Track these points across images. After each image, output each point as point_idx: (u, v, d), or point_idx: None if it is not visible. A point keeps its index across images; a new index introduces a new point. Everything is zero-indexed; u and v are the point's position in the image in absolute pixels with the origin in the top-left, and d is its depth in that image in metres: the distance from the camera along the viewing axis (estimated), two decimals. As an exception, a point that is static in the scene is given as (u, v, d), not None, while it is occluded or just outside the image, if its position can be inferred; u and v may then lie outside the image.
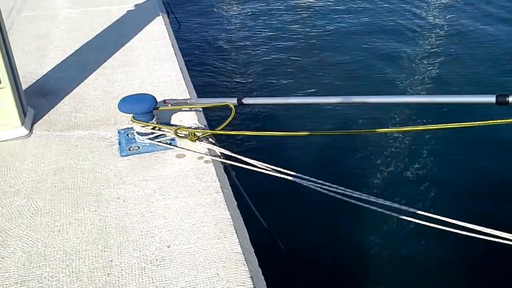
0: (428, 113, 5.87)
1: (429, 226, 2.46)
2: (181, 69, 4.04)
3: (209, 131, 3.00)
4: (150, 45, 4.50)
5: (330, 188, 2.64)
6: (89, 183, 2.66)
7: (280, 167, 2.75)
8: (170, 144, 2.96)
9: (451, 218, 2.37)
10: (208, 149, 2.92)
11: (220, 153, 2.90)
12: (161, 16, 5.22)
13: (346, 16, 9.24)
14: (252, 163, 2.79)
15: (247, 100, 2.95)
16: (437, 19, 9.10)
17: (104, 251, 2.19)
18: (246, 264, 2.11)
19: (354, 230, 4.23)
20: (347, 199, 2.61)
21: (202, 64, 7.47)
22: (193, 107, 3.25)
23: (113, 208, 2.46)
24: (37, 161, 2.86)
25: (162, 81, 3.83)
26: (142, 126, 2.96)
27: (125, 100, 3.02)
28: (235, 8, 9.94)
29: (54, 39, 4.67)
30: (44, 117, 3.35)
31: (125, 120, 3.23)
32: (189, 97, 3.51)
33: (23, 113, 3.16)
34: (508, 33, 8.42)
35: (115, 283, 2.03)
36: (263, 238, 3.44)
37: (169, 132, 2.99)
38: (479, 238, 2.29)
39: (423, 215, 2.50)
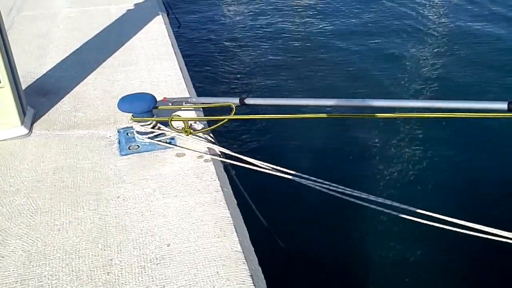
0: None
1: (430, 225, 2.46)
2: (180, 68, 4.04)
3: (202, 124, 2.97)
4: (150, 45, 4.50)
5: (330, 187, 2.64)
6: (88, 182, 2.66)
7: (280, 166, 2.75)
8: (169, 143, 2.96)
9: (451, 217, 2.37)
10: (207, 148, 2.92)
11: (220, 152, 2.91)
12: (160, 15, 5.22)
13: (350, 15, 9.19)
14: (252, 162, 2.79)
15: (249, 101, 2.95)
16: (443, 20, 8.98)
17: (104, 250, 2.20)
18: (246, 262, 2.11)
19: (354, 229, 4.22)
20: (347, 198, 2.62)
21: (202, 63, 7.47)
22: (194, 106, 3.25)
23: (113, 207, 2.46)
24: (36, 160, 2.86)
25: (161, 80, 3.83)
26: (142, 125, 2.96)
27: (124, 99, 3.02)
28: (234, 7, 9.94)
29: (53, 38, 4.67)
30: (43, 117, 3.35)
31: (125, 119, 3.23)
32: (189, 96, 3.51)
33: (22, 112, 3.16)
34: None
35: (115, 281, 2.03)
36: (263, 237, 3.44)
37: (169, 131, 2.99)
38: (479, 236, 2.29)
39: (424, 213, 2.50)
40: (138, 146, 2.96)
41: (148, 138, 2.97)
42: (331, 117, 2.61)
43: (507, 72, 6.98)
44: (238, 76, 7.12)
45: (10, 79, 3.00)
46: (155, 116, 3.02)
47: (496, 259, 3.87)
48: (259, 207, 3.49)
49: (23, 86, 3.41)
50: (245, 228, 2.43)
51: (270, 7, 9.79)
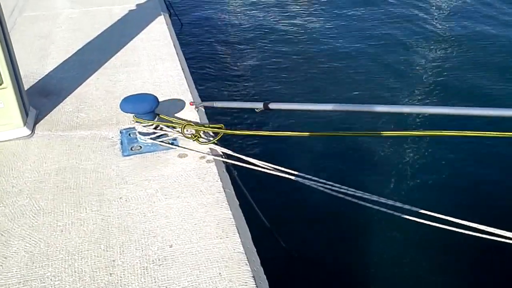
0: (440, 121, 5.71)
1: (431, 225, 2.45)
2: (182, 69, 4.04)
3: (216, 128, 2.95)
4: (152, 45, 4.50)
5: (333, 188, 2.64)
6: (91, 183, 2.66)
7: (282, 167, 2.75)
8: (172, 144, 2.96)
9: (453, 217, 2.37)
10: (210, 148, 2.92)
11: (222, 152, 2.91)
12: (162, 16, 5.22)
13: (355, 19, 9.10)
14: (254, 162, 2.79)
15: (273, 105, 2.97)
16: (451, 25, 8.87)
17: (107, 250, 2.20)
18: (248, 263, 2.11)
19: (356, 230, 4.22)
20: (350, 198, 2.61)
21: (204, 63, 7.46)
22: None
23: (115, 208, 2.46)
24: (39, 161, 2.87)
25: (164, 80, 3.83)
26: (144, 125, 2.96)
27: (127, 100, 3.02)
28: (237, 7, 9.93)
29: (55, 39, 4.67)
30: (46, 117, 3.35)
31: (127, 120, 3.23)
32: (214, 101, 3.52)
33: (25, 113, 3.17)
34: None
35: (117, 282, 2.03)
36: (265, 238, 3.44)
37: (171, 132, 2.99)
38: (480, 237, 2.28)
39: (426, 214, 2.49)
40: (141, 147, 2.96)
41: (151, 138, 2.97)
42: (337, 135, 2.60)
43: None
44: (241, 76, 7.11)
45: (13, 80, 3.01)
46: (157, 116, 3.02)
47: (497, 259, 3.86)
48: (261, 208, 3.49)
49: (26, 87, 3.41)
50: (247, 229, 2.43)
51: (272, 7, 9.78)
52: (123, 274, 2.07)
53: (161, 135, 2.99)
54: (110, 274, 2.08)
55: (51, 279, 2.06)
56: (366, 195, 2.58)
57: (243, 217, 2.51)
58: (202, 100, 3.50)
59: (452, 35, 8.47)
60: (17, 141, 3.07)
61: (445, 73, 7.10)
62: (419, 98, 6.48)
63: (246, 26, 8.97)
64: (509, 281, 3.84)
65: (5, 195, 2.58)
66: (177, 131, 2.96)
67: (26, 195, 2.58)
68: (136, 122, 2.97)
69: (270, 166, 2.77)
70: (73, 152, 2.95)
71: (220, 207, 2.45)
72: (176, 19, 8.29)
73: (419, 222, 2.54)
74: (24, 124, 3.13)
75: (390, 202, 2.55)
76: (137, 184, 2.64)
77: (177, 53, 4.34)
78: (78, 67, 4.10)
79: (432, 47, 8.02)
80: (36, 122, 3.28)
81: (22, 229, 2.34)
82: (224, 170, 2.85)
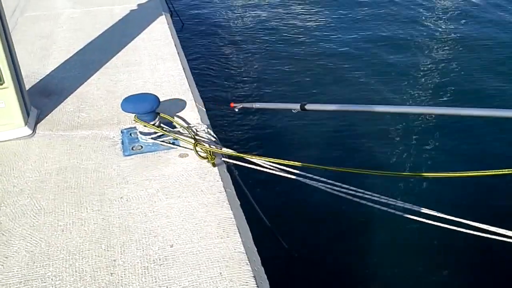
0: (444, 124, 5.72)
1: (432, 224, 2.45)
2: (184, 69, 4.04)
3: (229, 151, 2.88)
4: (153, 45, 4.50)
5: (334, 187, 2.64)
6: (92, 182, 2.66)
7: (283, 166, 2.75)
8: (173, 143, 2.96)
9: (454, 216, 2.36)
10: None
11: (223, 152, 2.90)
12: (164, 16, 5.22)
13: (358, 22, 9.04)
14: (255, 161, 2.79)
15: (309, 106, 3.01)
16: (454, 25, 8.81)
17: (107, 250, 2.20)
18: (249, 263, 2.11)
19: (358, 229, 4.22)
20: (351, 198, 2.61)
21: (205, 63, 7.46)
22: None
23: (116, 208, 2.46)
24: (40, 161, 2.87)
25: (165, 80, 3.83)
26: (145, 125, 2.95)
27: (128, 99, 3.02)
28: (238, 8, 9.93)
29: (57, 39, 4.67)
30: (47, 117, 3.35)
31: (128, 119, 3.23)
32: (256, 102, 3.54)
33: (26, 113, 3.17)
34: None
35: (118, 282, 2.03)
36: (266, 238, 3.44)
37: (171, 131, 2.99)
38: (481, 236, 2.28)
39: (426, 213, 2.49)
40: (142, 147, 2.96)
41: (152, 138, 2.97)
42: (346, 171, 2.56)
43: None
44: (242, 76, 7.10)
45: (14, 80, 3.01)
46: (158, 116, 3.01)
47: (497, 259, 3.85)
48: (262, 207, 3.49)
49: (27, 87, 3.42)
50: (248, 229, 2.43)
51: (274, 7, 9.77)
52: (124, 274, 2.07)
53: (162, 134, 2.99)
54: (111, 273, 2.08)
55: (52, 279, 2.06)
56: (367, 194, 2.58)
57: (244, 217, 2.51)
58: (242, 102, 3.52)
59: (455, 35, 8.45)
60: (18, 141, 3.07)
61: (449, 74, 7.08)
62: (430, 98, 6.44)
63: (247, 25, 8.96)
64: (509, 281, 3.83)
65: (6, 195, 2.58)
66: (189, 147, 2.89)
67: (27, 194, 2.58)
68: (137, 122, 2.95)
69: (271, 166, 2.77)
70: (74, 151, 2.96)
71: (221, 207, 2.45)
72: (177, 19, 8.29)
73: (420, 221, 2.53)
74: (25, 124, 3.13)
75: (391, 201, 2.55)
76: (138, 184, 2.64)
77: (178, 53, 4.34)
78: (79, 67, 4.10)
79: (437, 47, 7.99)
80: (37, 121, 3.28)
81: (23, 229, 2.34)
82: (225, 170, 2.85)
